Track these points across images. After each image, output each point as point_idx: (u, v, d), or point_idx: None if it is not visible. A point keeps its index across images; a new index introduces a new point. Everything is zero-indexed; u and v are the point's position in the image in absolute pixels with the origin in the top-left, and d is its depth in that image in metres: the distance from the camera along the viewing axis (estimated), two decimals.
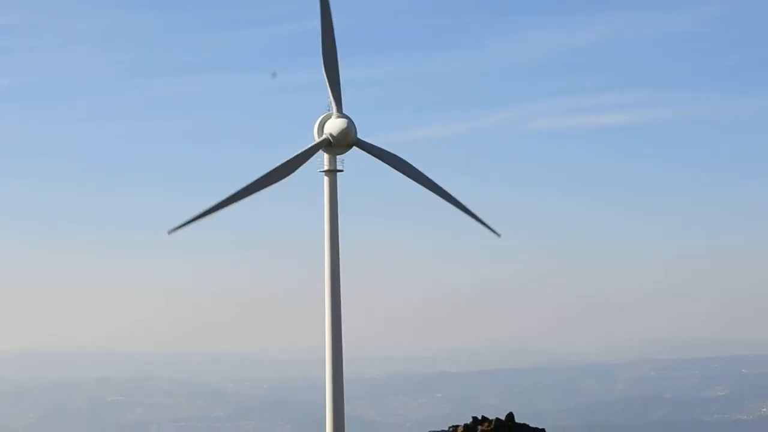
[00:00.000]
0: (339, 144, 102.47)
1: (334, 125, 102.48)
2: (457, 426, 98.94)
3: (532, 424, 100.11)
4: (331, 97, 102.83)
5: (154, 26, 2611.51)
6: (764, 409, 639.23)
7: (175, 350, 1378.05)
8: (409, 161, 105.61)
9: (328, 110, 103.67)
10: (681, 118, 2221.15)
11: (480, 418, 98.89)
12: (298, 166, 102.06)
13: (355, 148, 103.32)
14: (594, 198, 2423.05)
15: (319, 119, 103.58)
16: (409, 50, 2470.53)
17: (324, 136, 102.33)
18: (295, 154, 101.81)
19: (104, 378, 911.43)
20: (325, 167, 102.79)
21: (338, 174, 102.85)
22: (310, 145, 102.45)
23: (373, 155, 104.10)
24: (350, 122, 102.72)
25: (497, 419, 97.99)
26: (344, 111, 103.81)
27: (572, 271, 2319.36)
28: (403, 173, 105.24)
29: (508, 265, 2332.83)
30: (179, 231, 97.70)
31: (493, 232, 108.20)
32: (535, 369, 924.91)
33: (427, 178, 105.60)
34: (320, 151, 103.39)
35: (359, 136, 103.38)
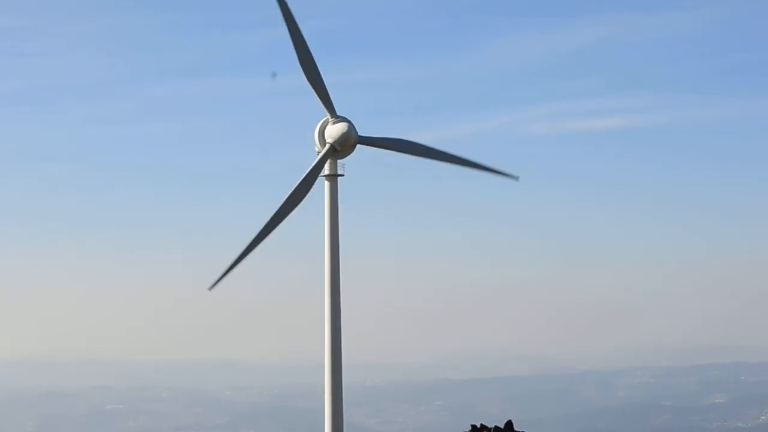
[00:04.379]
0: (343, 148, 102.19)
1: (334, 131, 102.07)
2: None
3: None
4: (322, 105, 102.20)
5: (154, 29, 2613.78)
6: (763, 417, 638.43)
7: (174, 358, 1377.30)
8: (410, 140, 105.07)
9: (327, 115, 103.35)
10: (681, 121, 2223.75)
11: (479, 425, 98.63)
12: (314, 182, 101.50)
13: (359, 147, 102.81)
14: (593, 203, 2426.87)
15: (318, 126, 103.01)
16: (409, 53, 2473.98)
17: (327, 147, 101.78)
18: (305, 172, 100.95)
19: (104, 386, 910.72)
20: (326, 172, 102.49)
21: (339, 179, 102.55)
22: (317, 159, 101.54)
23: (377, 147, 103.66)
24: (350, 125, 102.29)
25: (496, 427, 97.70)
26: (340, 113, 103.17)
27: (571, 278, 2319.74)
28: (412, 153, 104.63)
29: (507, 271, 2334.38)
30: (218, 284, 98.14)
31: (510, 176, 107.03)
32: (534, 376, 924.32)
33: (435, 149, 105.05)
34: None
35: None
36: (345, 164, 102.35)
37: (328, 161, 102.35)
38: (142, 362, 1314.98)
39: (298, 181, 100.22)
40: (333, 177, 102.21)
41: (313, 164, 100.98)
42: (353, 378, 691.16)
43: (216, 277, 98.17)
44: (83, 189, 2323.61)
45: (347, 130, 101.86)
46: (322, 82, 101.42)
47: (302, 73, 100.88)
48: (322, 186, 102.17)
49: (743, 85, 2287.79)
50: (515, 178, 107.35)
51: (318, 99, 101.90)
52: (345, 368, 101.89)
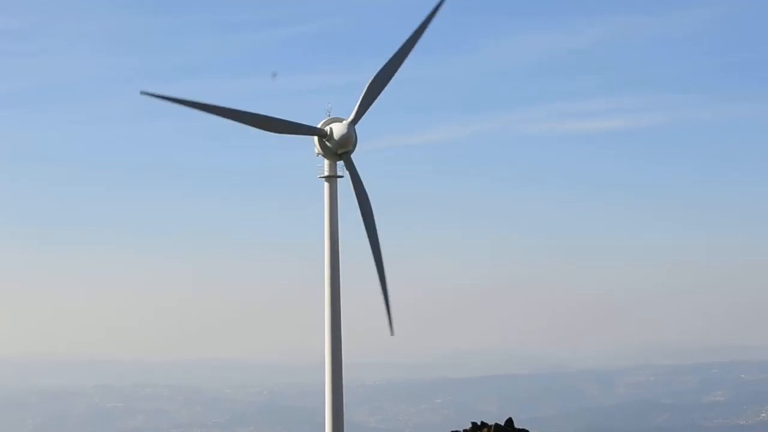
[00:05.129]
0: (335, 144, 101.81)
1: (335, 145, 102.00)
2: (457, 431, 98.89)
3: (531, 430, 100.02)
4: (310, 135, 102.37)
5: (154, 29, 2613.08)
6: (763, 415, 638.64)
7: (173, 356, 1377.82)
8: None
9: (328, 115, 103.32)
10: (680, 121, 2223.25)
11: (479, 423, 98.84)
12: (291, 132, 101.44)
13: (361, 140, 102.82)
14: (592, 202, 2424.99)
15: (319, 126, 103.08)
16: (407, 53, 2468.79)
17: (327, 127, 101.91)
18: (351, 187, 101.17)
19: (104, 384, 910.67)
20: (325, 173, 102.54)
21: (338, 180, 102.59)
22: (344, 170, 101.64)
23: (368, 107, 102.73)
24: (341, 127, 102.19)
25: (497, 425, 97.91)
26: (339, 114, 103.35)
27: (571, 276, 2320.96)
28: (387, 80, 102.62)
29: (507, 269, 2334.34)
30: (151, 98, 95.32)
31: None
32: (534, 374, 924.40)
33: (394, 57, 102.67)
34: (320, 157, 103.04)
35: (357, 141, 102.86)
36: (343, 166, 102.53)
37: (328, 163, 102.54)
38: (142, 361, 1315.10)
39: (357, 201, 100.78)
40: (332, 178, 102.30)
41: (351, 180, 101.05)
42: (353, 377, 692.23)
43: (155, 92, 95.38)
44: (83, 189, 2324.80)
45: (346, 131, 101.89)
46: (287, 123, 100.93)
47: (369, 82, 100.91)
48: (321, 187, 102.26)
49: (742, 86, 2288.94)
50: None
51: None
52: (345, 367, 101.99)
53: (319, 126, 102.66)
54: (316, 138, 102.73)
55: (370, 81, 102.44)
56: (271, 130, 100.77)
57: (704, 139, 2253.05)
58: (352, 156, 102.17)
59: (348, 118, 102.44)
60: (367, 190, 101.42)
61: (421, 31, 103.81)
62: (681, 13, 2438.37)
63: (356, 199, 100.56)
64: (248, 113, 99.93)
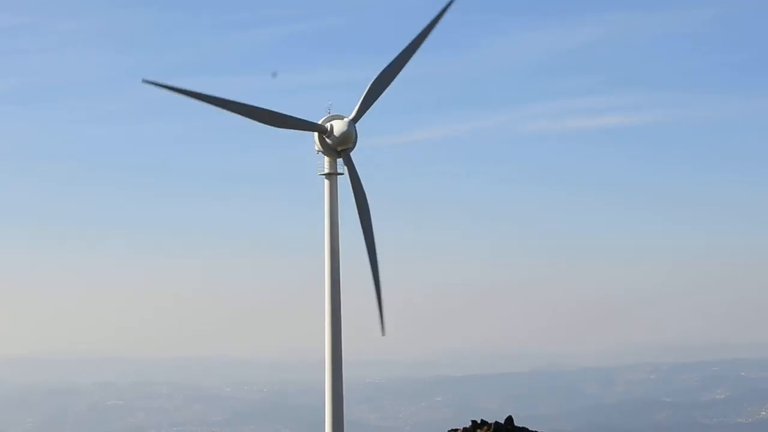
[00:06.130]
0: (335, 141, 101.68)
1: (334, 141, 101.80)
2: (457, 429, 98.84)
3: (531, 428, 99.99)
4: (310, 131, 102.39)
5: (154, 27, 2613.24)
6: (763, 413, 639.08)
7: (173, 354, 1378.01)
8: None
9: (329, 113, 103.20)
10: (680, 119, 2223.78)
11: (479, 421, 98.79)
12: (292, 127, 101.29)
13: (361, 139, 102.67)
14: (593, 200, 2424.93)
15: (320, 122, 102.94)
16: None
17: (342, 154, 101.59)
18: (349, 185, 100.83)
19: (104, 382, 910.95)
20: (326, 170, 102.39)
21: (338, 177, 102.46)
22: (343, 168, 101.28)
23: (370, 105, 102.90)
24: (341, 125, 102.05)
25: (496, 423, 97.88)
26: (340, 112, 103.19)
27: (572, 274, 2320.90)
28: (390, 80, 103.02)
29: (507, 268, 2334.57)
30: (152, 86, 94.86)
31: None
32: (534, 372, 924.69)
33: (399, 56, 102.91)
34: (320, 154, 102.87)
35: (358, 138, 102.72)
36: (344, 162, 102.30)
37: (328, 160, 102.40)
38: (142, 359, 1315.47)
39: (354, 198, 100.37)
40: (333, 176, 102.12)
41: (349, 177, 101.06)
42: (353, 375, 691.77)
43: (156, 81, 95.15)
44: (83, 188, 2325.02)
45: (347, 129, 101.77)
46: (289, 117, 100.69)
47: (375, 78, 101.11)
48: (321, 185, 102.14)
49: (742, 84, 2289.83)
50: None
51: (300, 130, 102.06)
52: (345, 365, 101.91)
53: (319, 123, 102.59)
54: (316, 135, 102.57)
55: (372, 80, 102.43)
56: (272, 124, 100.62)
57: (705, 138, 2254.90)
58: (352, 154, 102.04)
59: (349, 116, 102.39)
60: (368, 188, 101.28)
61: (426, 33, 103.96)
62: (681, 11, 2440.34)
63: (353, 196, 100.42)
64: (249, 106, 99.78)
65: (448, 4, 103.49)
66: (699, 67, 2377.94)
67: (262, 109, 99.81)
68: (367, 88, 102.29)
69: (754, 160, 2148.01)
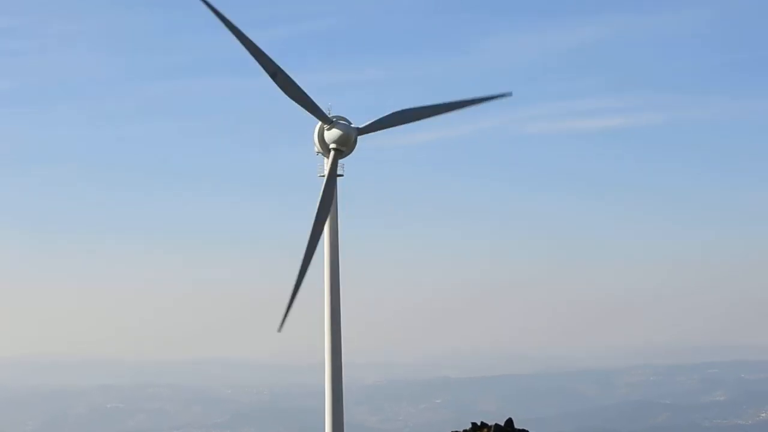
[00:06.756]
0: (348, 149, 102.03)
1: (332, 136, 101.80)
2: None
3: (531, 430, 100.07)
4: (312, 116, 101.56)
5: (153, 28, 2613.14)
6: (763, 414, 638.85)
7: (174, 356, 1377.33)
8: (406, 108, 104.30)
9: (329, 113, 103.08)
10: (679, 120, 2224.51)
11: (479, 423, 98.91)
12: (299, 101, 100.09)
13: (361, 141, 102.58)
14: (592, 201, 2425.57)
15: (317, 129, 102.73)
16: (407, 52, 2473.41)
17: (332, 153, 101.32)
18: (323, 182, 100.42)
19: (105, 385, 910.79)
20: (325, 172, 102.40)
21: (338, 179, 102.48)
22: (328, 166, 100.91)
23: (379, 130, 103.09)
24: (347, 124, 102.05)
25: (496, 425, 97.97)
26: (340, 113, 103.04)
27: (571, 276, 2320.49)
28: (410, 120, 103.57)
29: (507, 269, 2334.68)
30: (284, 324, 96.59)
31: (502, 95, 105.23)
32: (534, 374, 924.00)
33: (429, 106, 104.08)
34: (320, 156, 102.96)
35: (355, 148, 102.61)
36: (345, 164, 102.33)
37: (327, 161, 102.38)
38: (142, 361, 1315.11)
39: (320, 196, 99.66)
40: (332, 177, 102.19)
41: (327, 174, 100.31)
42: (353, 376, 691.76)
43: (281, 318, 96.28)
44: (82, 189, 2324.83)
45: (349, 131, 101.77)
46: (303, 92, 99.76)
47: (279, 89, 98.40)
48: (321, 186, 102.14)
49: (741, 85, 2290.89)
50: (508, 94, 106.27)
51: (307, 112, 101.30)
52: (345, 367, 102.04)
53: (317, 127, 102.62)
54: (316, 132, 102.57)
55: (398, 111, 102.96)
56: (283, 89, 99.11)
57: (705, 139, 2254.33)
58: (346, 160, 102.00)
59: (357, 124, 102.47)
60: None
61: (467, 104, 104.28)
62: (681, 12, 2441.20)
63: (321, 193, 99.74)
64: (272, 61, 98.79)
65: (502, 95, 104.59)
66: (699, 68, 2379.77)
67: (282, 72, 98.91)
68: (391, 113, 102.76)
69: (754, 160, 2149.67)
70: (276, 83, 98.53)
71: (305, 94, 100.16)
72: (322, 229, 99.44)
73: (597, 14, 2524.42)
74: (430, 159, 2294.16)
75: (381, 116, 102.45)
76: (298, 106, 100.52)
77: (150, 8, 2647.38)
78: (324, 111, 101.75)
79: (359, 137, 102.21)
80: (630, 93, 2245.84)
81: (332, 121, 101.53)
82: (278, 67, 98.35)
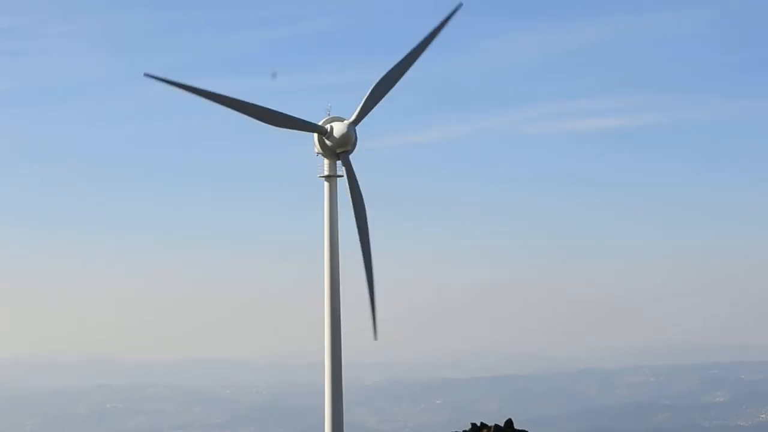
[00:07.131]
0: (335, 142, 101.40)
1: (333, 143, 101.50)
2: None
3: (531, 430, 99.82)
4: (309, 132, 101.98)
5: (153, 28, 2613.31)
6: (763, 415, 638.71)
7: (173, 356, 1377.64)
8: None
9: (328, 114, 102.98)
10: (679, 120, 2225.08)
11: (479, 424, 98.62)
12: (292, 127, 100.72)
13: (361, 139, 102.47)
14: (592, 202, 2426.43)
15: (315, 138, 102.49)
16: (404, 52, 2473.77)
17: (340, 156, 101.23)
18: (345, 186, 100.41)
19: (104, 385, 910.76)
20: (325, 172, 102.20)
21: (338, 179, 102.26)
22: (344, 171, 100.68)
23: (370, 109, 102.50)
24: (341, 126, 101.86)
25: (496, 425, 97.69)
26: (339, 113, 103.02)
27: (571, 276, 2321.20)
28: (392, 83, 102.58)
29: (507, 269, 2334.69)
30: (154, 80, 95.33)
31: (455, 10, 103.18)
32: (534, 374, 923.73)
33: (401, 61, 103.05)
34: (320, 156, 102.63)
35: (357, 141, 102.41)
36: (344, 165, 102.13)
37: (328, 162, 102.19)
38: (142, 361, 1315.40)
39: (351, 201, 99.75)
40: (332, 178, 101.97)
41: (347, 180, 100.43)
42: (353, 377, 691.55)
43: (159, 76, 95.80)
44: (82, 189, 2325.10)
45: (346, 131, 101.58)
46: (288, 117, 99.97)
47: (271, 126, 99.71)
48: (321, 187, 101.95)
49: (741, 85, 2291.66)
50: (459, 6, 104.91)
51: (299, 130, 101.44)
52: (345, 367, 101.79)
53: (319, 124, 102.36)
54: (315, 136, 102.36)
55: (374, 83, 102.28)
56: (272, 124, 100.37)
57: (704, 139, 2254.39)
58: (351, 156, 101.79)
59: (349, 118, 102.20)
60: (368, 190, 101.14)
61: (431, 38, 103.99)
62: (681, 12, 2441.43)
63: (350, 198, 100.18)
64: (250, 104, 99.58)
65: (455, 10, 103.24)
66: (698, 68, 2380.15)
67: (263, 108, 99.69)
68: (369, 91, 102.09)
69: (754, 160, 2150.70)
70: (261, 120, 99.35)
71: (291, 117, 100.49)
72: (367, 230, 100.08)
73: (597, 14, 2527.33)
74: (429, 159, 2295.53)
75: (362, 99, 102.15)
76: (294, 131, 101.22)
77: (150, 8, 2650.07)
78: (317, 120, 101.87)
79: (358, 129, 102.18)
80: (630, 93, 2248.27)
81: (326, 131, 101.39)
82: (257, 106, 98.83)
